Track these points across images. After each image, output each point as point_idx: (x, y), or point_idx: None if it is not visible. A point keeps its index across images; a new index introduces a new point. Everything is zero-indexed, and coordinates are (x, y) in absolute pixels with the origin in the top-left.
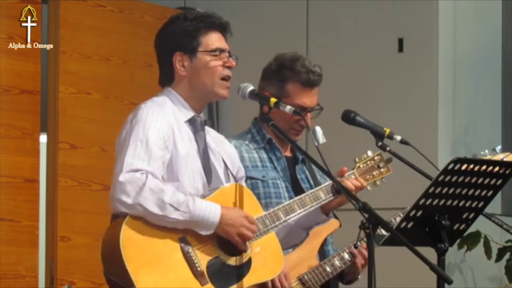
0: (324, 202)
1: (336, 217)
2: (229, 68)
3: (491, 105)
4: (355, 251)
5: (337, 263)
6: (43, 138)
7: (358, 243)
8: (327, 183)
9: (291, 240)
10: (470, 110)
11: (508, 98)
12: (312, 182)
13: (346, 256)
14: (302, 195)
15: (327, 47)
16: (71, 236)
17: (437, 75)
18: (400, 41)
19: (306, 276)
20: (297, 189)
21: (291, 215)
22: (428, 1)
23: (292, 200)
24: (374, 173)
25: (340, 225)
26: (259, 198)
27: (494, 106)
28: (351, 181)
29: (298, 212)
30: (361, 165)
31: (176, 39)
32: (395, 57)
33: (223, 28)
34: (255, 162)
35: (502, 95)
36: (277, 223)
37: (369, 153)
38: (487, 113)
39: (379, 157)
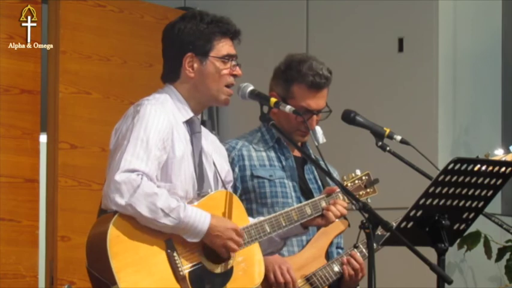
0: (309, 218)
1: (344, 217)
2: (235, 76)
3: (491, 105)
4: (344, 260)
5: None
6: (43, 138)
7: (359, 244)
8: (314, 199)
9: (267, 247)
10: (470, 110)
11: (508, 98)
12: (320, 182)
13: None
14: (289, 209)
15: (327, 47)
16: (71, 236)
17: (437, 75)
18: (400, 41)
19: (313, 276)
20: (304, 189)
21: (277, 229)
22: (428, 1)
23: (278, 213)
24: (360, 193)
25: (349, 225)
26: (265, 198)
27: (494, 106)
28: (336, 207)
29: (284, 225)
30: (349, 184)
31: (191, 39)
32: (395, 57)
33: (235, 36)
34: (263, 161)
35: (502, 95)
36: (261, 235)
37: (358, 172)
38: (487, 113)
39: (366, 177)
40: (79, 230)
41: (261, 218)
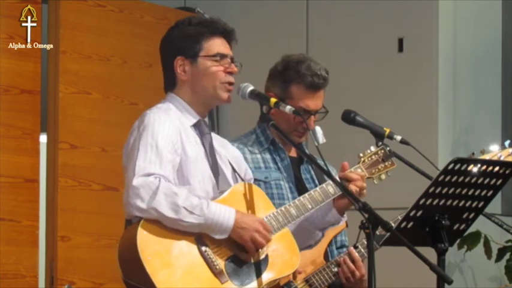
0: (333, 197)
1: None
2: (231, 73)
3: (491, 105)
4: (340, 260)
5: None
6: (43, 138)
7: (358, 244)
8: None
9: (305, 240)
10: (470, 110)
11: (508, 98)
12: (317, 181)
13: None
14: (311, 191)
15: (326, 47)
16: (71, 236)
17: (437, 75)
18: (400, 41)
19: (313, 278)
20: (301, 189)
21: (303, 212)
22: (428, 1)
23: (302, 196)
24: (379, 167)
25: (347, 225)
26: None
27: (494, 106)
28: (355, 173)
29: (310, 207)
30: (366, 160)
31: (178, 43)
32: (395, 57)
33: (227, 34)
34: (258, 164)
35: (502, 95)
36: (289, 219)
37: (372, 148)
38: (487, 113)
39: (382, 151)
40: (79, 230)
41: (287, 204)
